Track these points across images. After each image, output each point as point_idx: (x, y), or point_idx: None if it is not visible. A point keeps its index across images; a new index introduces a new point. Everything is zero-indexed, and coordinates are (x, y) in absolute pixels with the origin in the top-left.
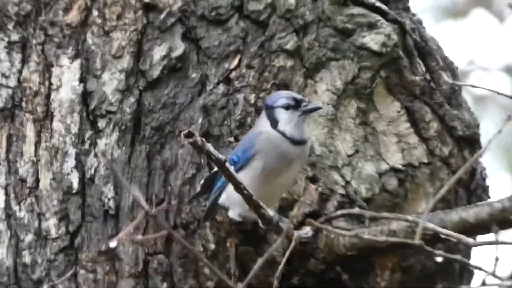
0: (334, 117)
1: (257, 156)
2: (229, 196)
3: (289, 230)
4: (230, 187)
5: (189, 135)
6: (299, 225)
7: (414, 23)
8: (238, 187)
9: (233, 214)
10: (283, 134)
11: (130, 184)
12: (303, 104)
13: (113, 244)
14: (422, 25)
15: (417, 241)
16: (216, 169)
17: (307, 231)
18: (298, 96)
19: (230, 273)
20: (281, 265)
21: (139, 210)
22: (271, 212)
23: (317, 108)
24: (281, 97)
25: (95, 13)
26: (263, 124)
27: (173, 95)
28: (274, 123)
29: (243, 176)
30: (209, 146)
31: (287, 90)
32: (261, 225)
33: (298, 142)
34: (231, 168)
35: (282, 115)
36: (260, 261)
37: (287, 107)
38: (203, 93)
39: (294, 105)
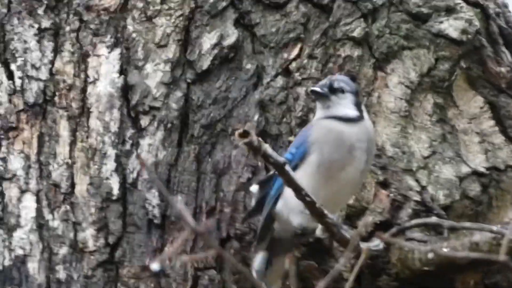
0: (408, 114)
1: (312, 148)
2: (287, 203)
3: (357, 241)
4: (287, 193)
5: (244, 134)
6: (368, 236)
7: (499, 6)
8: (299, 193)
9: (293, 223)
10: (332, 116)
11: (175, 194)
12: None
13: (155, 266)
14: (508, 8)
15: (502, 256)
16: (270, 173)
17: (377, 243)
18: (320, 83)
19: None
20: (349, 283)
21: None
22: (333, 216)
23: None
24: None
25: None
26: (315, 115)
27: (225, 89)
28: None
29: (300, 175)
30: (267, 147)
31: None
32: (319, 234)
33: (350, 120)
34: (291, 172)
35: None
36: (326, 279)
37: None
38: (259, 86)
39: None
